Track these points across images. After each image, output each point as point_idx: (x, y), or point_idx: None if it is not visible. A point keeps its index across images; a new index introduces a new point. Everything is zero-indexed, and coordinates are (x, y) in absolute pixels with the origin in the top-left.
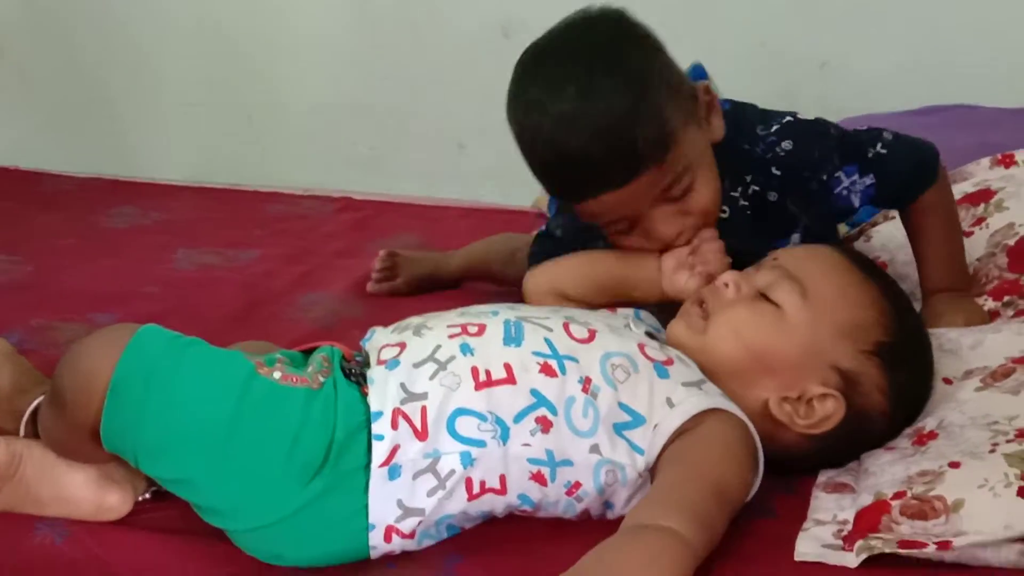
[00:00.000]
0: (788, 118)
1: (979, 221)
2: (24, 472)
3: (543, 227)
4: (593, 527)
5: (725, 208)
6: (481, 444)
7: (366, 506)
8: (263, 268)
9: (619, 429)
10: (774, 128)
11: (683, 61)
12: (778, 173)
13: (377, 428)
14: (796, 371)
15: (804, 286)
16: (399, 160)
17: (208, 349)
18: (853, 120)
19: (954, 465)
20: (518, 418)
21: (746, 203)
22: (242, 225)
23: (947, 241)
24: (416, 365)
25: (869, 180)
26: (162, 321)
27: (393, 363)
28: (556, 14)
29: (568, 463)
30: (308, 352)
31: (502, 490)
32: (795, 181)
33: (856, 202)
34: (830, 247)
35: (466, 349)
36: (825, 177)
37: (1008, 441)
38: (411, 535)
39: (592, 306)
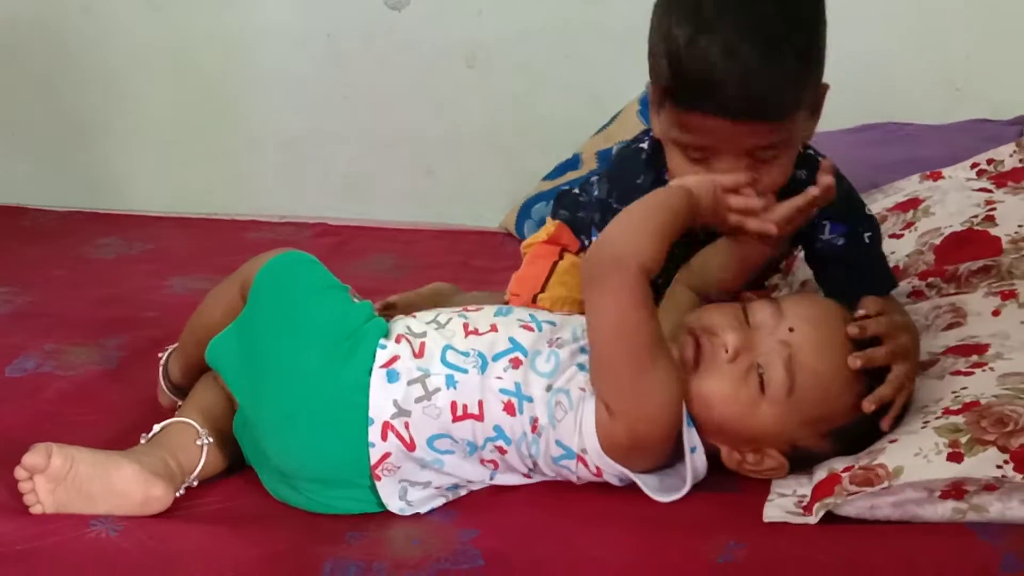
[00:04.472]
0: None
1: (908, 225)
2: (77, 472)
3: (567, 187)
4: (593, 489)
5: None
6: (464, 371)
7: (367, 406)
8: None
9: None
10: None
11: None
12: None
13: (384, 342)
14: (753, 442)
15: (794, 380)
16: (370, 186)
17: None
18: None
19: (892, 441)
20: (496, 357)
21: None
22: (226, 253)
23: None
24: (424, 323)
25: (841, 241)
26: (169, 342)
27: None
28: (516, 45)
29: (529, 399)
30: None
31: (480, 416)
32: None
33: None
34: (841, 321)
35: (463, 315)
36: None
37: (936, 418)
38: (409, 444)
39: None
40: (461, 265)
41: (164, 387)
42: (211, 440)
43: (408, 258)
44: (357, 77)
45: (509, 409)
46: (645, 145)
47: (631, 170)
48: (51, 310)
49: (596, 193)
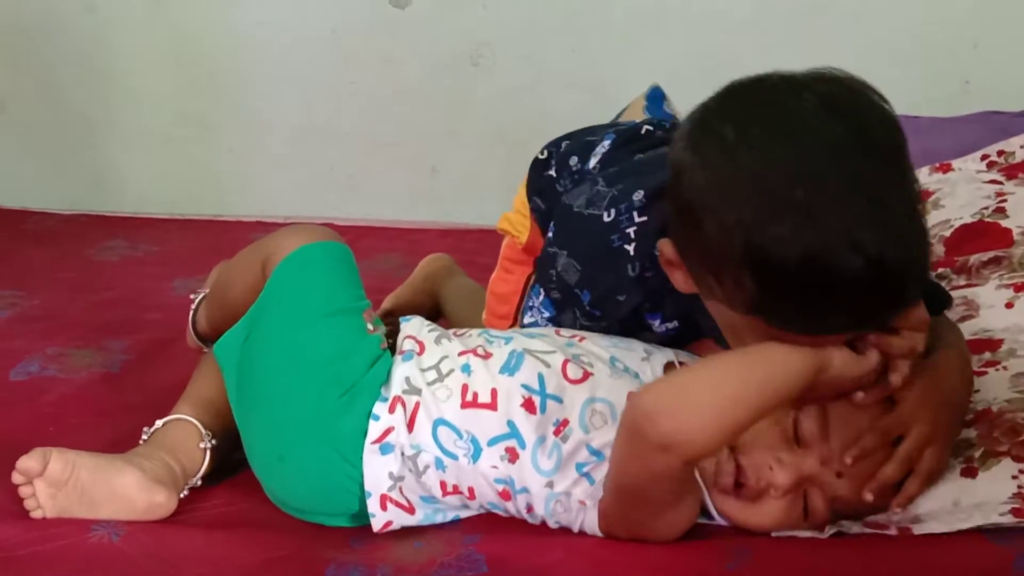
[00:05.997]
0: None
1: None
2: (79, 477)
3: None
4: None
5: None
6: (454, 457)
7: (361, 476)
8: None
9: (579, 468)
10: None
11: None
12: None
13: (377, 411)
14: None
15: (835, 513)
16: (374, 184)
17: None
18: None
19: None
20: (492, 442)
21: None
22: (229, 254)
23: None
24: (423, 369)
25: None
26: (172, 344)
27: (408, 355)
28: (520, 40)
29: (525, 490)
30: None
31: (471, 496)
32: None
33: None
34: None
35: (466, 369)
36: None
37: None
38: (408, 508)
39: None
40: (467, 263)
41: (191, 332)
42: (214, 442)
43: (414, 257)
44: (361, 74)
45: (504, 495)
46: (631, 249)
47: (611, 282)
48: (55, 313)
49: (562, 272)
